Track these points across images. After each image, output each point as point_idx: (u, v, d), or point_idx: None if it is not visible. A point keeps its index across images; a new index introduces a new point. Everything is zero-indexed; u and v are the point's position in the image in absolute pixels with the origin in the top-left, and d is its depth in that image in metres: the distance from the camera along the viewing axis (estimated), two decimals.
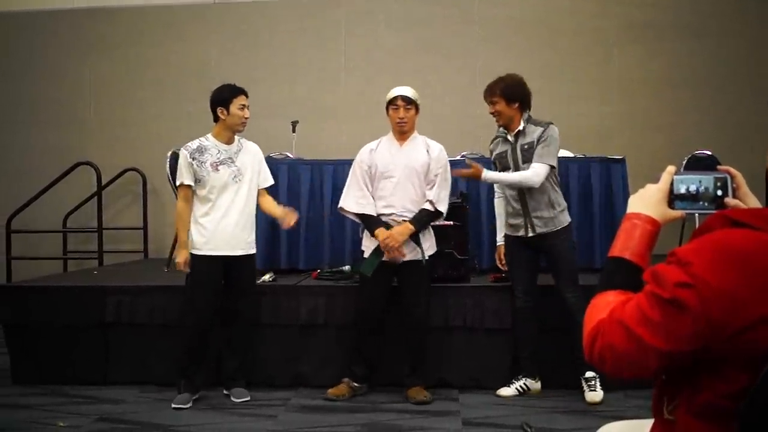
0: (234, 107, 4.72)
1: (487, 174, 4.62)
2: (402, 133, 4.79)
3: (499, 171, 4.75)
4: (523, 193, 4.65)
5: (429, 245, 4.79)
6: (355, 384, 4.77)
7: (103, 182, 7.89)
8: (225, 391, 4.83)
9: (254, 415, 4.47)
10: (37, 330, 5.20)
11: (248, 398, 4.74)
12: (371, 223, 4.72)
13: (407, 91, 4.79)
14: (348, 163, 5.89)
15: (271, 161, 6.09)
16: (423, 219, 4.68)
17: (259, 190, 4.87)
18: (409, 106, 4.74)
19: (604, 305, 1.49)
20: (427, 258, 4.71)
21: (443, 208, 4.73)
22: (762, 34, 7.81)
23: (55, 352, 5.19)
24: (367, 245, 4.78)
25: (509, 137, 4.72)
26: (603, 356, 1.44)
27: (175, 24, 8.43)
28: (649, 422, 1.60)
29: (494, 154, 4.85)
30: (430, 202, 4.68)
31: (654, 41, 7.94)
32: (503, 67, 7.98)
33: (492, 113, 4.74)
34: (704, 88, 7.78)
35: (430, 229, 4.82)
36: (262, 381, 5.02)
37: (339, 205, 4.93)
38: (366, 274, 4.68)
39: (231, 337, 4.86)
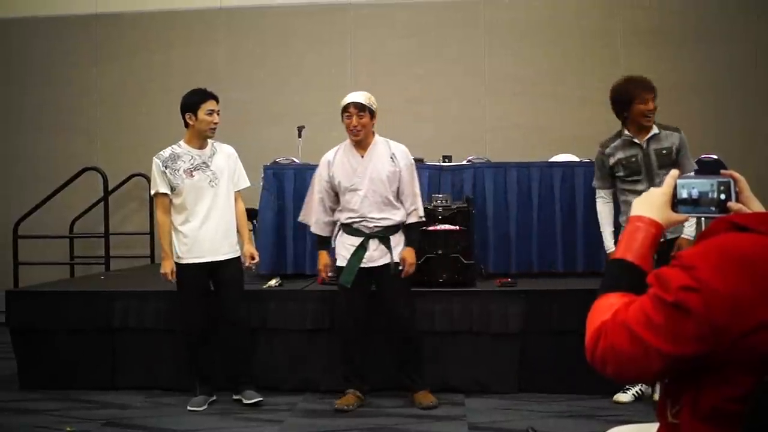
0: (202, 113, 4.68)
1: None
2: (358, 142, 4.69)
3: (625, 175, 4.60)
4: None
5: (398, 250, 4.68)
6: (360, 394, 4.72)
7: (110, 188, 7.92)
8: (234, 396, 4.81)
9: (261, 420, 4.47)
10: (45, 335, 5.22)
11: (260, 398, 4.71)
12: (322, 241, 4.83)
13: (360, 97, 4.66)
14: None
15: (277, 166, 6.12)
16: (418, 235, 4.77)
17: (234, 193, 4.84)
18: (362, 113, 4.61)
19: (606, 307, 1.49)
20: (396, 261, 4.64)
21: (422, 212, 4.77)
22: None
23: (62, 357, 5.20)
24: (342, 254, 4.70)
25: (636, 140, 4.56)
26: (605, 358, 1.44)
27: (182, 30, 8.46)
28: (653, 426, 1.60)
29: (615, 158, 4.60)
30: (415, 212, 4.70)
31: (661, 46, 7.93)
32: (509, 71, 8.09)
33: (651, 110, 4.52)
34: (711, 93, 7.77)
35: (401, 233, 4.73)
36: (268, 386, 5.01)
37: (299, 218, 4.96)
38: (346, 284, 4.63)
39: (227, 342, 4.83)
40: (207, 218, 4.68)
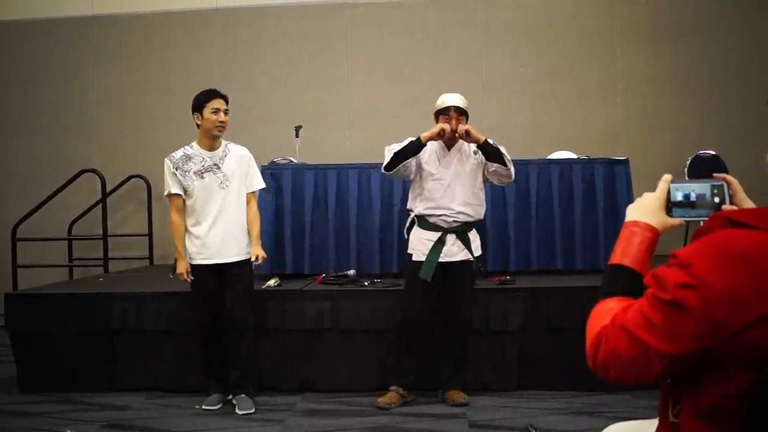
0: (207, 112, 4.65)
1: None
2: (449, 145, 4.74)
3: None
4: None
5: (476, 245, 4.78)
6: (403, 392, 4.71)
7: (108, 189, 7.92)
8: (229, 397, 4.80)
9: (261, 420, 4.48)
10: (44, 337, 5.22)
11: (252, 411, 4.62)
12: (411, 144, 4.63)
13: (460, 101, 4.71)
14: (352, 168, 5.94)
15: (275, 166, 6.12)
16: (493, 146, 4.62)
17: (247, 194, 4.81)
18: (461, 117, 4.67)
19: (605, 312, 1.50)
20: (476, 257, 4.72)
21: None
22: (765, 34, 7.79)
23: (61, 360, 5.20)
24: (419, 249, 4.67)
25: None
26: (607, 363, 1.44)
27: (179, 31, 8.45)
28: (652, 422, 1.60)
29: None
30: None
31: (658, 42, 7.94)
32: (508, 70, 8.09)
33: None
34: (709, 89, 7.77)
35: (476, 231, 4.81)
36: (268, 386, 5.04)
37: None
38: (426, 278, 4.60)
39: (230, 345, 4.77)
40: (216, 220, 4.67)
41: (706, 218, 1.57)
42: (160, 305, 5.17)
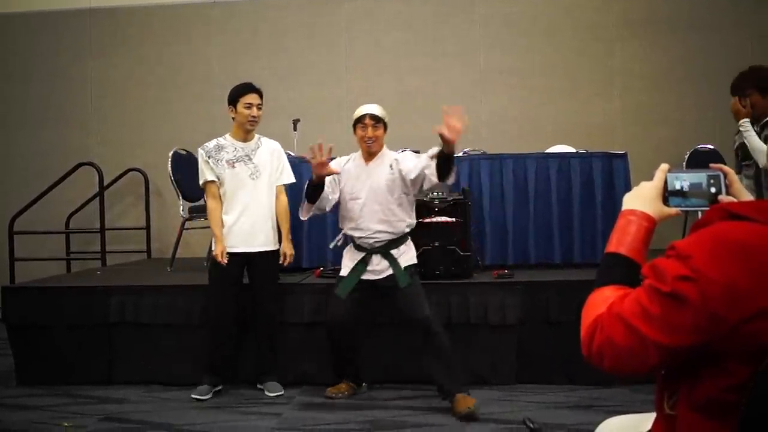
0: (240, 106, 4.78)
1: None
2: (370, 154, 4.66)
3: (740, 161, 4.74)
4: (760, 183, 4.64)
5: (408, 257, 4.62)
6: (352, 384, 4.81)
7: (106, 183, 7.91)
8: (259, 386, 4.93)
9: (259, 413, 4.48)
10: (41, 331, 5.22)
11: (281, 392, 4.82)
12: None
13: (375, 109, 4.64)
14: None
15: None
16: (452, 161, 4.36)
17: (276, 187, 4.92)
18: (377, 125, 4.60)
19: (601, 301, 1.49)
20: (409, 266, 4.57)
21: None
22: (762, 27, 7.79)
23: (59, 353, 5.20)
24: (346, 264, 4.66)
25: (756, 128, 4.67)
26: (602, 352, 1.43)
27: (177, 24, 8.43)
28: (649, 416, 1.60)
29: (736, 144, 4.84)
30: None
31: (655, 36, 7.93)
32: (505, 65, 8.08)
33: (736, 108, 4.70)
34: (706, 82, 7.76)
35: (408, 242, 4.66)
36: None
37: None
38: (340, 296, 4.58)
39: (258, 332, 4.93)
40: (245, 210, 4.78)
41: (703, 208, 1.57)
42: (158, 299, 5.17)
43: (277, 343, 4.97)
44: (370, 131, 4.59)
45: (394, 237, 4.60)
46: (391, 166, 4.59)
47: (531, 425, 4.06)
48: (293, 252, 4.90)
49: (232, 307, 4.81)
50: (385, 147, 4.73)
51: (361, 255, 4.61)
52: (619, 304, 1.43)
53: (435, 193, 5.20)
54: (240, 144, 4.84)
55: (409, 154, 4.74)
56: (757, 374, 1.32)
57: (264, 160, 4.85)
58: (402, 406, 4.58)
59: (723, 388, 1.36)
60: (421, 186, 4.55)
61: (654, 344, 1.37)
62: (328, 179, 4.57)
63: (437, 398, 4.58)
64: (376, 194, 4.57)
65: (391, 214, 4.58)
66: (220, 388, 4.88)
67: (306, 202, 4.63)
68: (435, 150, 4.32)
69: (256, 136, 4.92)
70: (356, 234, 4.63)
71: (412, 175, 4.48)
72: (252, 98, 4.80)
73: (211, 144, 4.85)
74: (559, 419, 4.21)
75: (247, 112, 4.77)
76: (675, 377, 1.45)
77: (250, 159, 4.82)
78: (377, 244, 4.59)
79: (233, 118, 4.84)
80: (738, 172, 4.76)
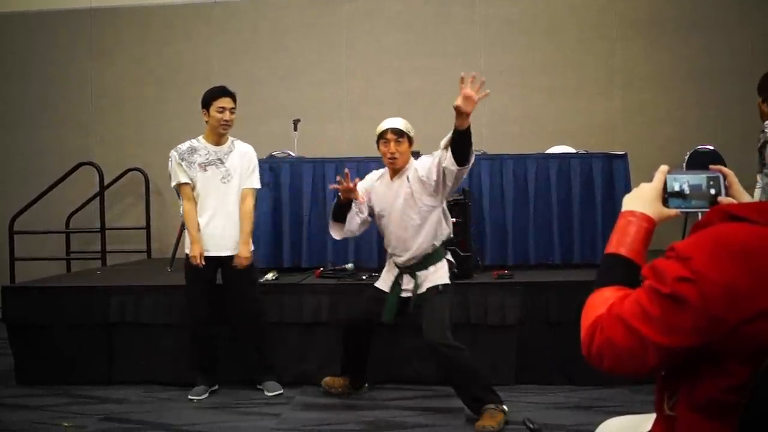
0: (213, 110, 4.74)
1: None
2: (395, 170, 4.42)
3: (762, 159, 4.68)
4: None
5: (438, 276, 4.38)
6: (352, 383, 4.80)
7: (106, 182, 7.91)
8: (258, 386, 4.93)
9: (259, 414, 4.47)
10: (41, 330, 5.21)
11: (281, 391, 4.84)
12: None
13: (398, 123, 4.37)
14: (350, 162, 5.92)
15: (273, 160, 6.11)
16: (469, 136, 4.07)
17: (243, 189, 4.83)
18: (401, 139, 4.33)
19: (601, 302, 1.49)
20: (436, 285, 4.37)
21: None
22: (765, 26, 7.78)
23: (59, 353, 5.19)
24: (384, 278, 4.53)
25: None
26: (602, 352, 1.43)
27: (177, 24, 8.43)
28: (649, 417, 1.60)
29: (761, 142, 4.76)
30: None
31: (656, 35, 7.93)
32: (506, 64, 8.07)
33: None
34: (707, 82, 7.76)
35: (443, 261, 4.43)
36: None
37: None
38: (388, 323, 4.45)
39: (240, 334, 4.95)
40: (216, 213, 4.76)
41: (702, 209, 1.57)
42: (158, 298, 5.17)
43: (269, 342, 4.97)
44: (392, 147, 4.32)
45: (419, 257, 4.39)
46: (408, 178, 4.36)
47: (531, 426, 4.07)
48: (249, 256, 4.78)
49: (208, 307, 4.82)
50: (411, 160, 4.44)
51: (396, 272, 4.47)
52: (619, 305, 1.43)
53: None
54: (213, 147, 4.79)
55: (424, 157, 4.43)
56: (757, 375, 1.32)
57: (235, 164, 4.80)
58: (402, 406, 4.57)
59: (723, 388, 1.36)
60: (446, 184, 4.22)
61: (654, 345, 1.36)
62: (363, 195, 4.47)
63: (437, 398, 4.58)
64: (399, 214, 4.38)
65: (415, 233, 4.35)
66: (216, 387, 4.91)
67: (332, 221, 4.56)
68: (447, 138, 4.07)
69: (230, 139, 4.87)
70: (389, 251, 4.53)
71: (434, 176, 4.21)
72: (225, 102, 4.74)
73: (184, 146, 4.80)
74: (559, 420, 4.21)
75: (219, 116, 4.72)
76: (675, 378, 1.45)
77: (222, 162, 4.78)
78: (406, 264, 4.43)
79: (206, 122, 4.79)
80: (760, 171, 4.77)
